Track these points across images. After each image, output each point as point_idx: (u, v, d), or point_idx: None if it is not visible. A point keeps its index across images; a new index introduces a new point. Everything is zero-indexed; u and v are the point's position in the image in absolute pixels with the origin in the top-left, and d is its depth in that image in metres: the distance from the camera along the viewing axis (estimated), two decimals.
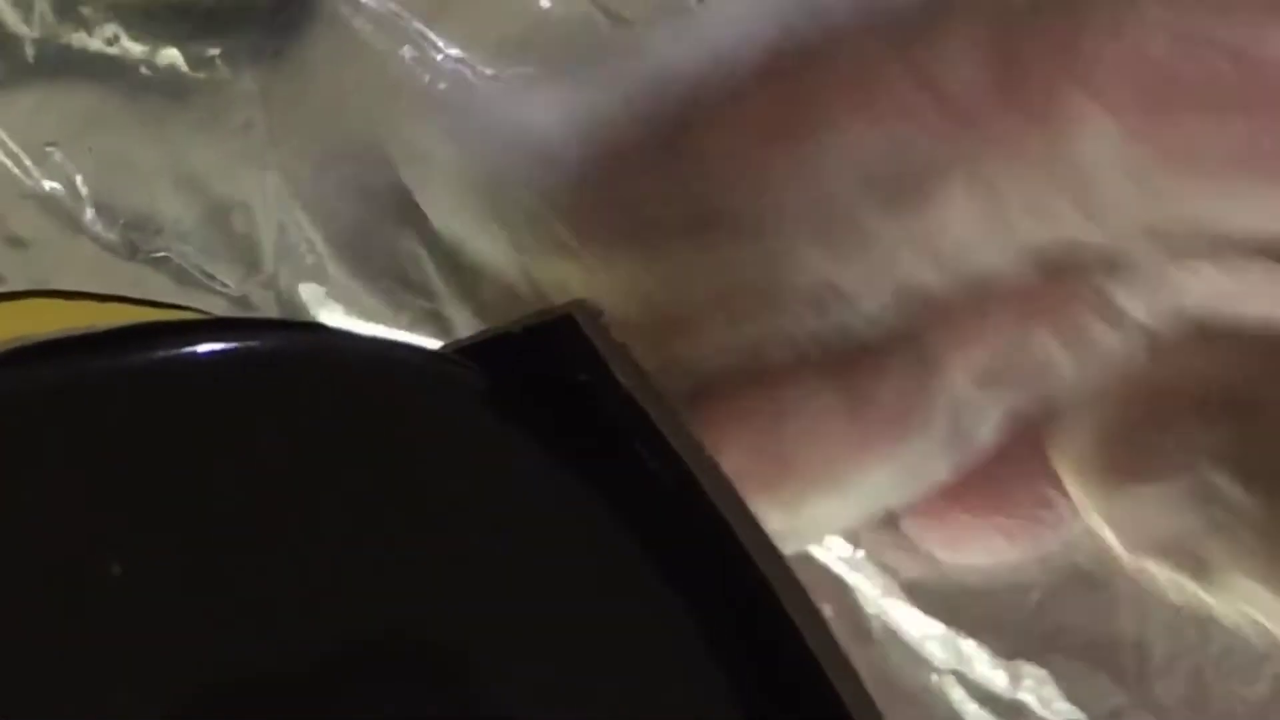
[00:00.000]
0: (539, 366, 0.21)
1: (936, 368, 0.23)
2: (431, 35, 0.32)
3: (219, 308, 0.30)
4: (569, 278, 0.25)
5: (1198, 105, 0.20)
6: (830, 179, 0.22)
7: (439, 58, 0.32)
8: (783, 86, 0.22)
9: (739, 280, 0.23)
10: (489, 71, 0.32)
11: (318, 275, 0.31)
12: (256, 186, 0.31)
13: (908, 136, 0.21)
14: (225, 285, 0.31)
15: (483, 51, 0.32)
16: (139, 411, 0.20)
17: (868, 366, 0.23)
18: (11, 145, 0.30)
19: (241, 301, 0.30)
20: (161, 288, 0.30)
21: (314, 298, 0.30)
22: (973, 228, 0.23)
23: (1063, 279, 0.23)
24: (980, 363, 0.23)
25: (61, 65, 0.31)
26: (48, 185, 0.30)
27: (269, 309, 0.30)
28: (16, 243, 0.30)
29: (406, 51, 0.32)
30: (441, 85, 0.32)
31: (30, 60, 0.30)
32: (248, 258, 0.31)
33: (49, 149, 0.30)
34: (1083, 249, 0.23)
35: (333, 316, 0.30)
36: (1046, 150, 0.20)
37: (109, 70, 0.31)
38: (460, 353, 0.21)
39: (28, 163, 0.30)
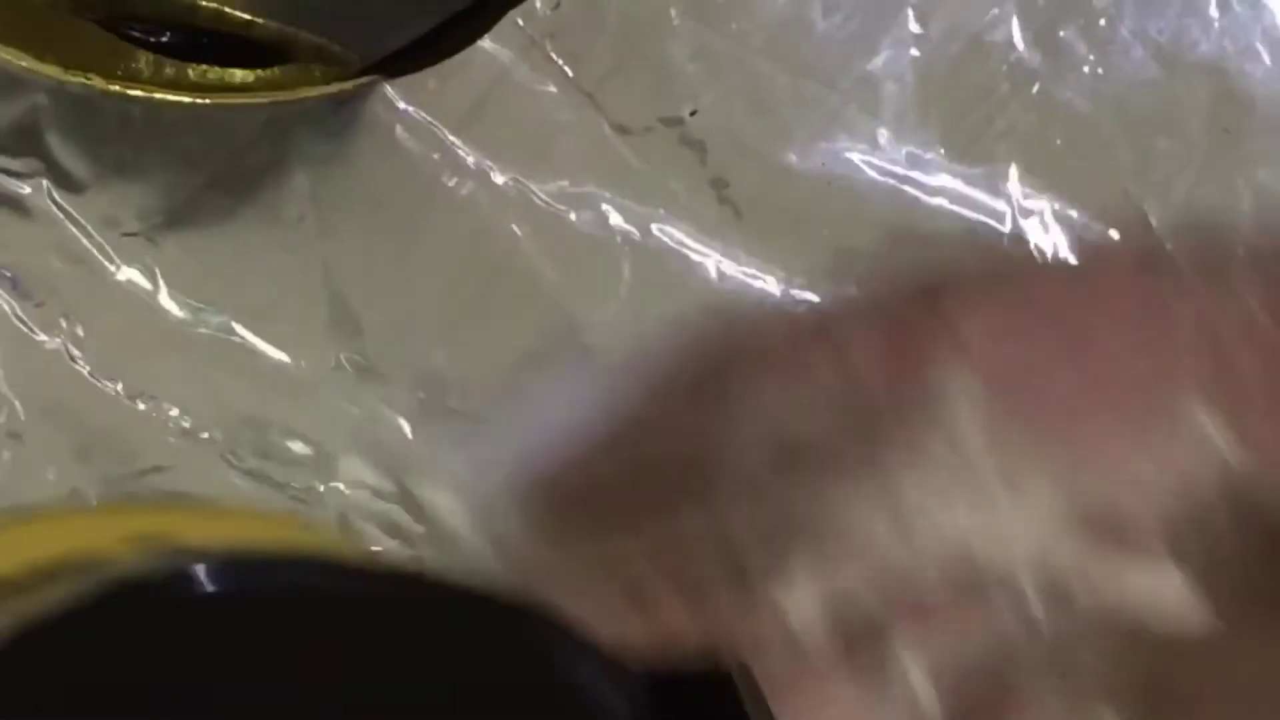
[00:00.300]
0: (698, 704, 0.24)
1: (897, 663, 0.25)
2: (459, 143, 0.35)
3: (279, 366, 0.33)
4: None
5: (1041, 368, 0.23)
6: (748, 445, 0.25)
7: (468, 161, 0.35)
8: (707, 365, 0.25)
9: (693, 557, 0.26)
10: (505, 178, 0.35)
11: (361, 351, 0.34)
12: (307, 271, 0.34)
13: (816, 400, 0.24)
14: (282, 351, 0.33)
15: (502, 159, 0.35)
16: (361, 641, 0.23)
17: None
18: (97, 237, 0.32)
19: (295, 365, 0.33)
20: (229, 354, 0.33)
21: (354, 365, 0.34)
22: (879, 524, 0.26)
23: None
24: (933, 654, 0.25)
25: (142, 165, 0.33)
26: (126, 273, 0.33)
27: (323, 370, 0.33)
28: (96, 325, 0.33)
29: (437, 156, 0.35)
30: (464, 188, 0.35)
31: (112, 160, 0.33)
32: (302, 326, 0.34)
33: (126, 239, 0.33)
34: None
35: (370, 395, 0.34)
36: (923, 411, 0.23)
37: (183, 169, 0.33)
38: (630, 674, 0.24)
39: (110, 251, 0.33)
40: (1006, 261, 0.26)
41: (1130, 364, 0.24)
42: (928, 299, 0.25)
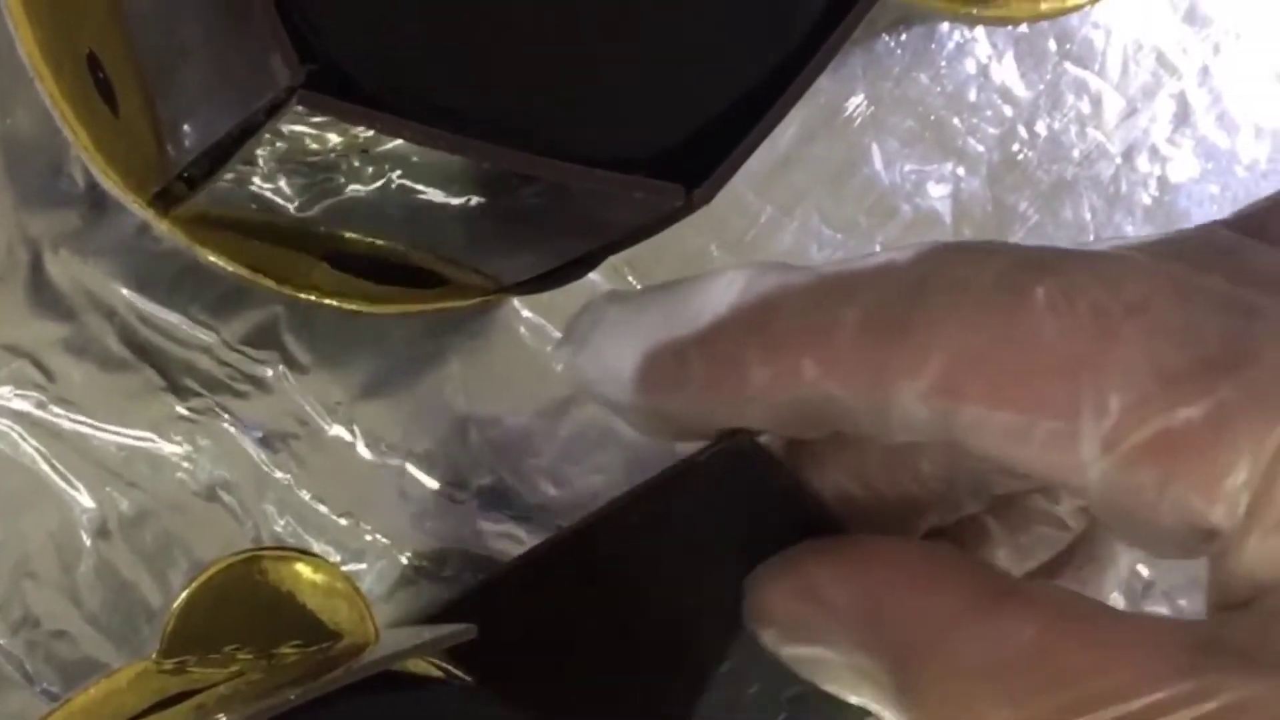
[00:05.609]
0: (732, 479, 0.28)
1: None
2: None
3: (435, 494, 0.36)
4: None
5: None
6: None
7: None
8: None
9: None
10: None
11: (492, 480, 0.37)
12: (456, 427, 0.37)
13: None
14: (439, 482, 0.37)
15: None
16: None
17: None
18: (315, 404, 0.36)
19: (450, 495, 0.37)
20: (404, 485, 0.36)
21: (486, 490, 0.37)
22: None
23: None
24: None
25: (346, 354, 0.36)
26: (335, 430, 0.36)
27: (467, 496, 0.37)
28: (313, 465, 0.36)
29: (548, 348, 0.38)
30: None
31: (327, 351, 0.36)
32: (455, 466, 0.37)
33: (336, 405, 0.36)
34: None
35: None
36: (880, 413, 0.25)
37: (374, 357, 0.36)
38: (663, 474, 0.28)
39: (325, 414, 0.36)
40: None
41: None
42: None
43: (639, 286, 0.38)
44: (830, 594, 0.26)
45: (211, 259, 0.32)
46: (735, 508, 0.28)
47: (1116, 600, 0.40)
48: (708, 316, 0.26)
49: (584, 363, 0.29)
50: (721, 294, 0.27)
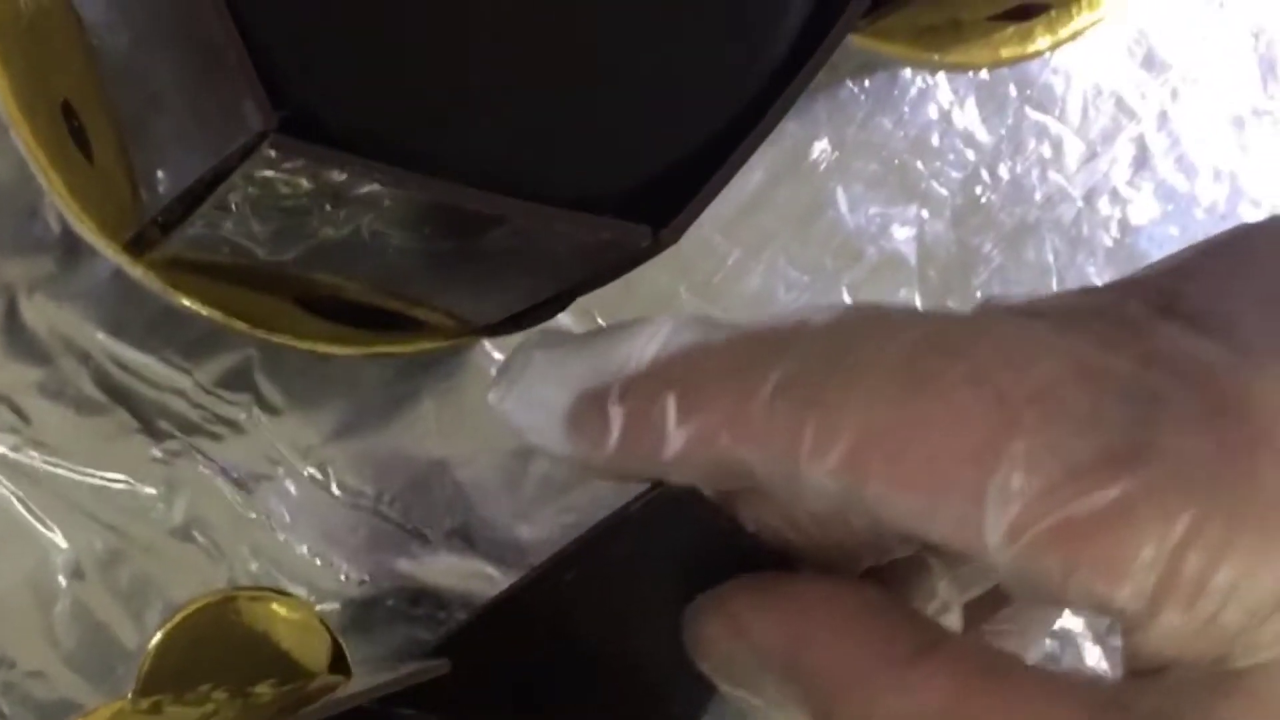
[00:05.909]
0: (669, 525, 0.28)
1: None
2: None
3: (413, 532, 0.37)
4: None
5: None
6: None
7: None
8: None
9: None
10: None
11: (466, 520, 0.37)
12: (432, 467, 0.37)
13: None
14: (416, 520, 0.37)
15: None
16: None
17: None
18: (289, 446, 0.36)
19: (424, 532, 0.37)
20: (376, 524, 0.36)
21: (459, 531, 0.38)
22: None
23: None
24: None
25: (319, 396, 0.36)
26: (309, 470, 0.36)
27: (439, 534, 0.37)
28: (288, 505, 0.36)
29: None
30: None
31: (300, 393, 0.36)
32: (430, 504, 0.37)
33: (309, 447, 0.36)
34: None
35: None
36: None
37: (348, 398, 0.37)
38: (597, 526, 0.28)
39: (299, 454, 0.36)
40: None
41: None
42: None
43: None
44: (757, 635, 0.26)
45: (185, 303, 0.32)
46: (675, 552, 0.28)
47: (1078, 625, 0.40)
48: (631, 368, 0.27)
49: (512, 407, 0.29)
50: (644, 346, 0.27)
